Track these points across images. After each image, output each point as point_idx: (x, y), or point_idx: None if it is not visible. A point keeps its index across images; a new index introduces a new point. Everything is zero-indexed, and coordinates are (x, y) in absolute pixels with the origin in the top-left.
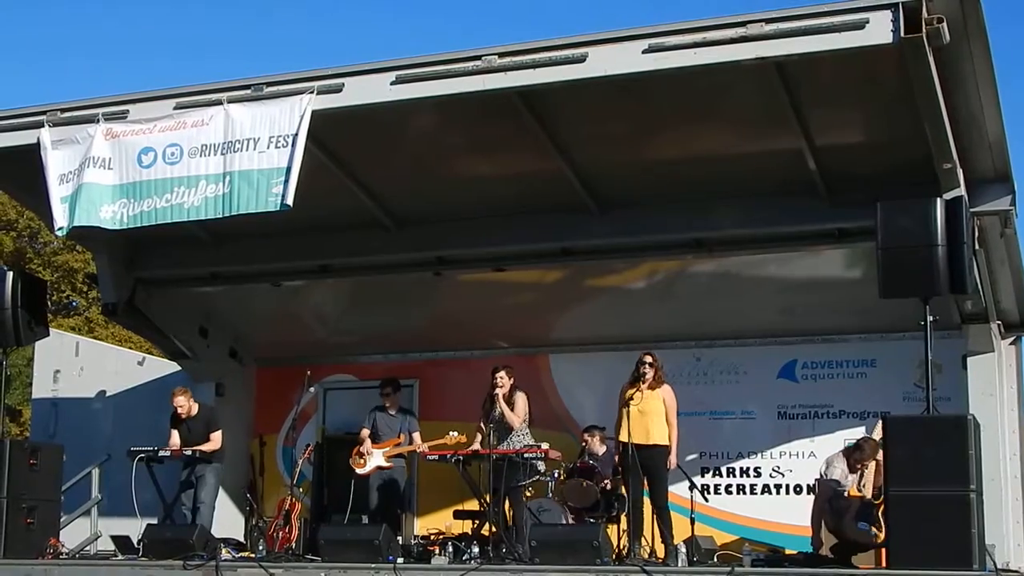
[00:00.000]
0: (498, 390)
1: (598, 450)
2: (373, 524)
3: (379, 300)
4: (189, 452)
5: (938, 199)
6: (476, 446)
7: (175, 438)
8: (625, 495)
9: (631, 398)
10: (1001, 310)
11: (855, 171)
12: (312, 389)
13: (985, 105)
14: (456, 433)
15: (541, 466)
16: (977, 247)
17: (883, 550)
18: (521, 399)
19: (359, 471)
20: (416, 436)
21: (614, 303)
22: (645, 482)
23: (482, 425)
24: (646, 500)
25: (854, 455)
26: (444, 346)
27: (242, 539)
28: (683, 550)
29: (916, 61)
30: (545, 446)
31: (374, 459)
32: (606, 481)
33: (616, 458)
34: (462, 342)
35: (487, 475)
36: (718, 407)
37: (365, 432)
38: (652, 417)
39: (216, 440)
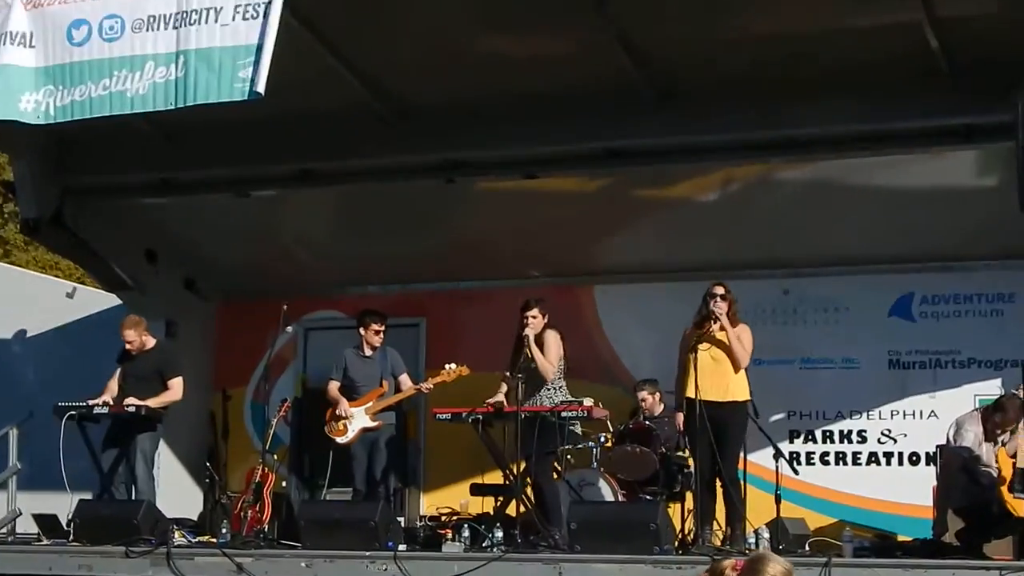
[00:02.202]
0: (528, 331)
1: (657, 409)
2: (367, 501)
3: (376, 216)
4: (132, 408)
5: None
6: (500, 397)
7: (113, 383)
8: (692, 466)
9: (699, 342)
10: None
11: (989, 52)
12: (290, 329)
13: None
14: (454, 366)
15: (579, 429)
16: None
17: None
18: (554, 340)
19: (340, 440)
20: (404, 378)
21: (676, 221)
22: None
23: (508, 375)
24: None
25: (993, 417)
26: (459, 275)
27: (200, 519)
28: (766, 535)
29: None
30: (588, 402)
31: (356, 421)
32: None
33: (680, 419)
34: (482, 270)
35: (514, 439)
36: (812, 353)
37: (335, 386)
38: (729, 366)
39: (176, 389)
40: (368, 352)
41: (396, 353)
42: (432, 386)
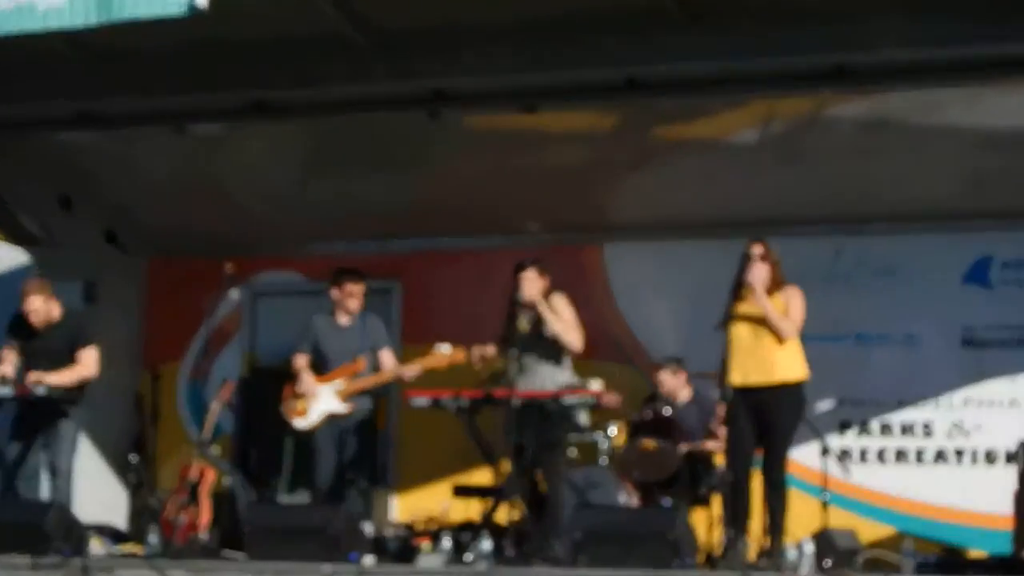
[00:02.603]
0: (523, 294)
1: (681, 394)
2: (327, 504)
3: (342, 157)
4: (43, 391)
5: None
6: (489, 347)
7: (8, 357)
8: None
9: (734, 313)
10: None
11: None
12: (235, 294)
13: None
14: (448, 348)
15: (585, 418)
16: None
17: None
18: (565, 304)
19: (298, 423)
20: (387, 355)
21: (707, 166)
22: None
23: (501, 351)
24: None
25: None
26: (442, 231)
27: (124, 525)
28: (810, 550)
29: None
30: (596, 386)
31: (322, 401)
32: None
33: (722, 408)
34: (470, 225)
35: (508, 428)
36: (868, 327)
37: (302, 360)
38: (773, 339)
39: (88, 363)
40: (343, 320)
41: (378, 321)
42: (418, 371)
